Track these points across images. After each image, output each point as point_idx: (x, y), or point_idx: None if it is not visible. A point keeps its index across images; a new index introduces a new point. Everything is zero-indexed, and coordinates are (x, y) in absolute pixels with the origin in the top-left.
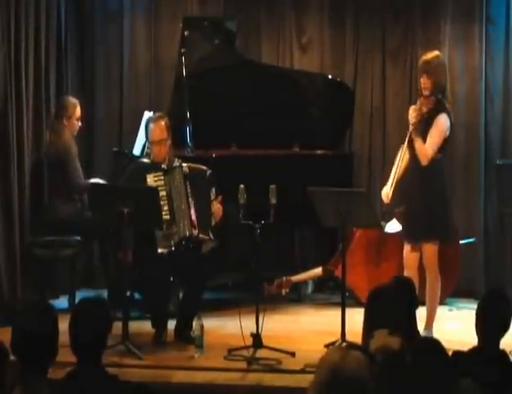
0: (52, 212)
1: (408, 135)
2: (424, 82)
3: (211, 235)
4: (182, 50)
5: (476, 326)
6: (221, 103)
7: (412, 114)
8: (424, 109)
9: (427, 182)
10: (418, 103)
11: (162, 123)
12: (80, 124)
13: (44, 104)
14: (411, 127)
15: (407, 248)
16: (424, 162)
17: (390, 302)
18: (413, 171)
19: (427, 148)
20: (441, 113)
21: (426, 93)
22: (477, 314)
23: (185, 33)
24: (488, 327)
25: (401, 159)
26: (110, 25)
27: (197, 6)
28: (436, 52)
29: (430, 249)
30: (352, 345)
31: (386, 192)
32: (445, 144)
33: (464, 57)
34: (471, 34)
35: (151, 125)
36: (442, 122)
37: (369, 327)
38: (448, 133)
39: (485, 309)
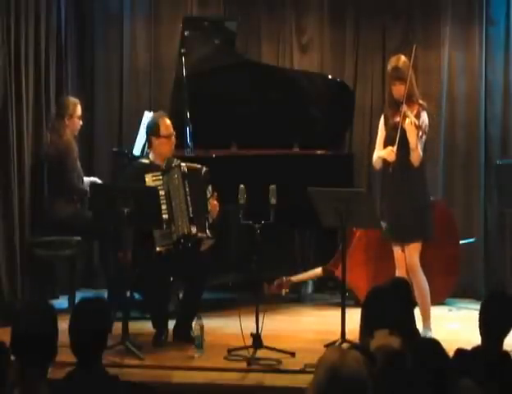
0: (52, 212)
1: (398, 136)
2: (398, 89)
3: (208, 232)
4: (182, 50)
5: (479, 327)
6: (221, 103)
7: (413, 118)
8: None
9: (413, 184)
10: (407, 109)
11: (168, 119)
12: (81, 123)
13: (44, 104)
14: (415, 131)
15: (396, 248)
16: (417, 163)
17: (387, 302)
18: (397, 174)
19: (420, 151)
20: (422, 114)
21: (400, 99)
22: (480, 316)
23: (185, 33)
24: (491, 329)
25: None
26: (110, 25)
27: (197, 6)
28: (402, 57)
29: (413, 249)
30: (353, 345)
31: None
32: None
33: (464, 57)
34: (471, 35)
35: (160, 121)
36: (426, 124)
37: (366, 326)
38: (427, 131)
39: (488, 311)
